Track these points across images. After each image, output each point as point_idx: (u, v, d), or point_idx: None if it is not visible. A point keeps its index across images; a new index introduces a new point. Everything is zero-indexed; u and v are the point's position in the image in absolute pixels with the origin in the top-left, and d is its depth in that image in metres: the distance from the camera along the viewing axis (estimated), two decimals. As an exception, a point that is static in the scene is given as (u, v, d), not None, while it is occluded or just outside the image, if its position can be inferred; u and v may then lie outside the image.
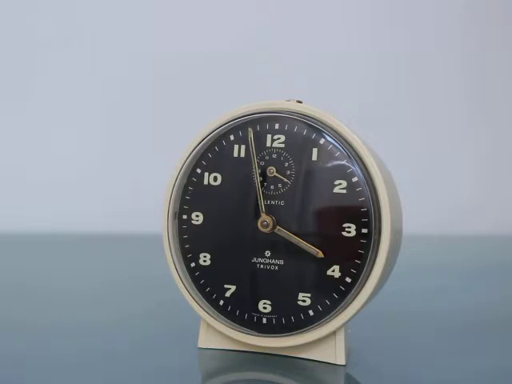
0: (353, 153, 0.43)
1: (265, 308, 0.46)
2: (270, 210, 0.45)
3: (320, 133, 0.44)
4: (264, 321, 0.46)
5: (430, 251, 1.10)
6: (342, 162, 0.43)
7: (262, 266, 0.46)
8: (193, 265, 0.48)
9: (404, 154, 1.27)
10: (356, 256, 0.43)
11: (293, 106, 0.46)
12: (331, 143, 0.44)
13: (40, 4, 1.28)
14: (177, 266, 0.48)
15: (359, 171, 0.43)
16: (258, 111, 0.46)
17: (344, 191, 0.43)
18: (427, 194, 1.30)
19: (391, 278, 0.49)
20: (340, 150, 0.44)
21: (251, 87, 1.03)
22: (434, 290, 0.75)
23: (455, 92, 1.39)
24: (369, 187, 0.43)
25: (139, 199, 1.18)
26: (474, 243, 1.23)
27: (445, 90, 1.39)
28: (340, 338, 0.45)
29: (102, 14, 1.30)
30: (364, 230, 0.43)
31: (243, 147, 0.46)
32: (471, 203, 1.34)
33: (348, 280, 0.43)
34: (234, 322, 0.47)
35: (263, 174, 0.46)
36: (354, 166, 0.43)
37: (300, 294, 0.45)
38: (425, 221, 1.13)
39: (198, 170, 0.48)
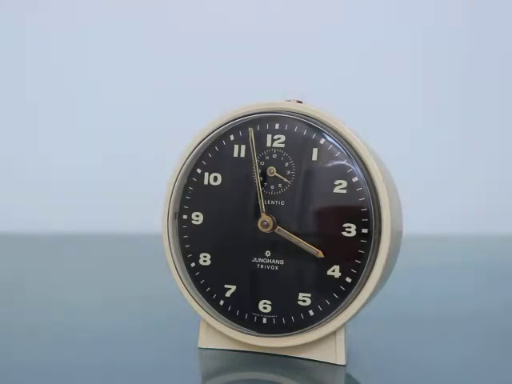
0: (353, 153, 0.43)
1: (265, 308, 0.46)
2: (270, 210, 0.45)
3: (320, 133, 0.44)
4: (264, 321, 0.46)
5: (430, 251, 1.10)
6: (342, 162, 0.43)
7: (262, 266, 0.46)
8: (193, 265, 0.48)
9: (403, 153, 1.27)
10: (356, 256, 0.43)
11: (293, 106, 0.46)
12: (331, 143, 0.44)
13: (39, 6, 1.28)
14: (177, 266, 0.48)
15: (359, 171, 0.43)
16: (258, 111, 0.46)
17: (344, 191, 0.43)
18: (427, 193, 1.30)
19: (391, 278, 0.49)
20: (340, 150, 0.44)
21: (251, 87, 1.03)
22: (434, 290, 0.75)
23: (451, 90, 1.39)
24: (369, 187, 0.43)
25: (139, 199, 1.18)
26: (474, 243, 1.23)
27: (443, 88, 1.38)
28: (340, 338, 0.45)
29: (102, 15, 1.30)
30: (364, 230, 0.43)
31: (243, 147, 0.46)
32: (471, 203, 1.34)
33: (348, 280, 0.43)
34: (234, 322, 0.47)
35: (263, 174, 0.46)
36: (354, 165, 0.43)
37: (300, 293, 0.45)
38: (425, 221, 1.13)
39: (198, 170, 0.48)
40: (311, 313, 0.44)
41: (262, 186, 0.45)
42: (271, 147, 0.46)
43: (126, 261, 0.95)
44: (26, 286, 0.73)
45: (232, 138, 0.47)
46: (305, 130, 0.45)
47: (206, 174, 0.47)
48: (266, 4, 1.34)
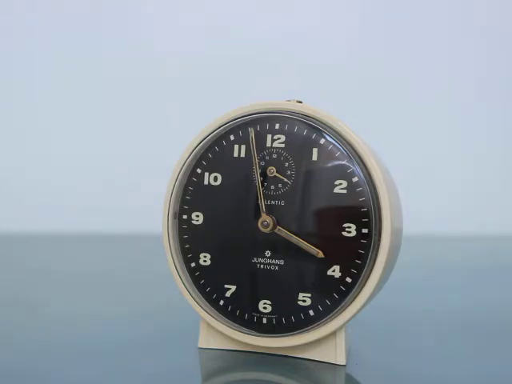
0: (353, 153, 0.43)
1: (265, 308, 0.46)
2: (270, 210, 0.45)
3: (320, 133, 0.44)
4: (264, 321, 0.46)
5: (430, 251, 1.10)
6: (342, 162, 0.43)
7: (262, 266, 0.46)
8: (193, 265, 0.48)
9: (404, 153, 1.27)
10: (356, 256, 0.43)
11: (293, 106, 0.46)
12: (331, 143, 0.44)
13: (39, 5, 1.28)
14: (177, 266, 0.48)
15: (359, 171, 0.43)
16: (258, 111, 0.46)
17: (344, 191, 0.43)
18: (427, 193, 1.30)
19: (391, 278, 0.49)
20: (340, 150, 0.44)
21: (251, 87, 1.03)
22: (434, 290, 0.75)
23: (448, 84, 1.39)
24: (369, 187, 0.43)
25: (139, 199, 1.18)
26: (474, 243, 1.23)
27: (440, 86, 1.38)
28: (340, 338, 0.45)
29: (104, 14, 1.30)
30: (364, 230, 0.43)
31: (243, 147, 0.46)
32: (472, 203, 1.34)
33: (348, 280, 0.43)
34: (234, 322, 0.47)
35: (263, 174, 0.46)
36: (354, 165, 0.43)
37: (300, 293, 0.45)
38: (425, 220, 1.13)
39: (199, 170, 0.48)
40: (311, 313, 0.44)
41: (262, 186, 0.45)
42: (271, 147, 0.46)
43: (125, 261, 0.95)
44: (26, 284, 0.73)
45: (232, 137, 0.47)
46: (305, 130, 0.45)
47: (206, 174, 0.47)
48: (267, 3, 1.34)
